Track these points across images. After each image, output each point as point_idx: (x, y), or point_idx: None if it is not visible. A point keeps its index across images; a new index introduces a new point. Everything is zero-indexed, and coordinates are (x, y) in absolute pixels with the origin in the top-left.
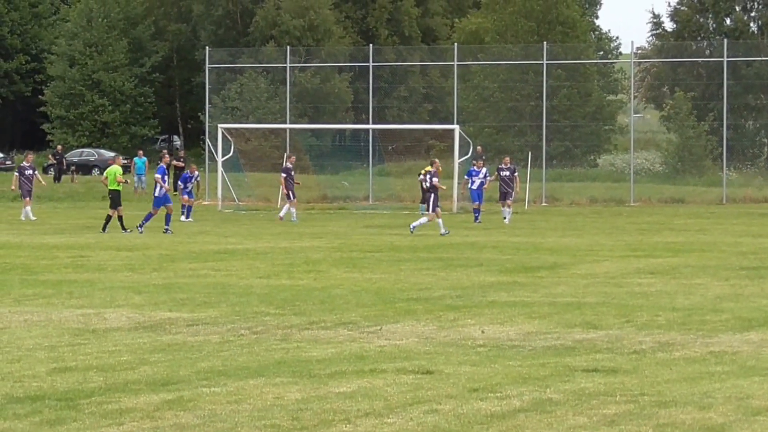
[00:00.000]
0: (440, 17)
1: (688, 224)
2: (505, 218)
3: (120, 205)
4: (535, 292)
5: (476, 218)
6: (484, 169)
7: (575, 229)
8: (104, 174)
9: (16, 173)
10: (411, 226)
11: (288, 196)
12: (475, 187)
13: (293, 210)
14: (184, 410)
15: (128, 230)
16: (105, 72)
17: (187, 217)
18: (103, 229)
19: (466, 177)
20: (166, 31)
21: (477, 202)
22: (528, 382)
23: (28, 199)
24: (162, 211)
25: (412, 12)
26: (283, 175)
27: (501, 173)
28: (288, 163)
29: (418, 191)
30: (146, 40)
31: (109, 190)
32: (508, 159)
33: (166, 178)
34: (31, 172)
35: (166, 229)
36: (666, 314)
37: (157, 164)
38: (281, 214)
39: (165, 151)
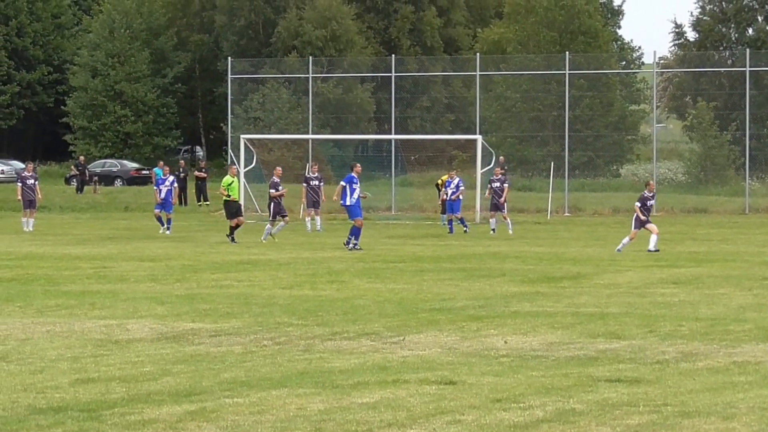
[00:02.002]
0: (462, 27)
1: (710, 234)
2: (493, 231)
3: (237, 216)
4: (558, 303)
5: (450, 229)
6: (456, 179)
7: (598, 239)
8: (221, 185)
9: (19, 183)
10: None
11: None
12: (452, 198)
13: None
14: (206, 421)
15: (236, 242)
16: (127, 83)
17: (167, 228)
18: (231, 239)
19: (489, 186)
20: (189, 42)
21: (453, 213)
22: (551, 393)
23: (28, 210)
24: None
25: (434, 22)
26: (305, 185)
27: (492, 185)
28: (311, 173)
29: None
30: (168, 50)
31: (224, 200)
32: (498, 170)
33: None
34: (33, 181)
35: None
36: (689, 324)
37: (177, 174)
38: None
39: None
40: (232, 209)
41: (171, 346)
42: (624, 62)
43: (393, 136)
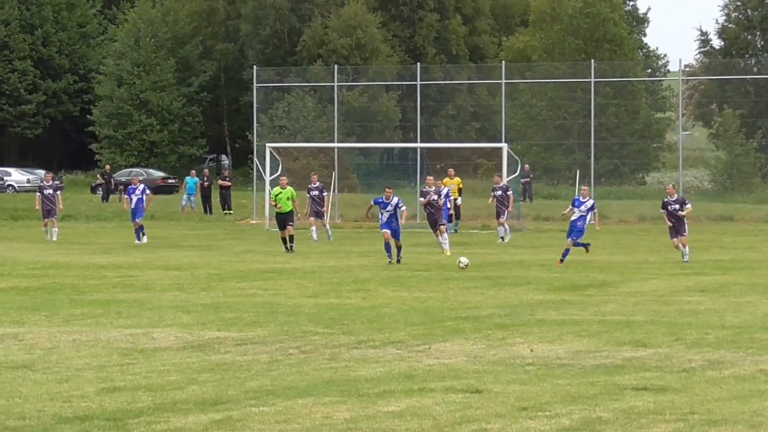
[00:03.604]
0: (488, 36)
1: (737, 242)
2: (501, 238)
3: (284, 227)
4: (584, 311)
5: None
6: (445, 189)
7: (624, 247)
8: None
9: (38, 193)
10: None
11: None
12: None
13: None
14: (232, 430)
15: (292, 252)
16: (153, 91)
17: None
18: (286, 250)
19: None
20: (214, 51)
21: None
22: (577, 401)
23: (47, 219)
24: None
25: (459, 30)
26: (308, 195)
27: (494, 193)
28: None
29: (465, 210)
30: (194, 59)
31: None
32: (498, 178)
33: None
34: (51, 191)
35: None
36: (715, 332)
37: (202, 183)
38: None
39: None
40: (278, 220)
41: (197, 354)
42: (649, 70)
43: (418, 145)
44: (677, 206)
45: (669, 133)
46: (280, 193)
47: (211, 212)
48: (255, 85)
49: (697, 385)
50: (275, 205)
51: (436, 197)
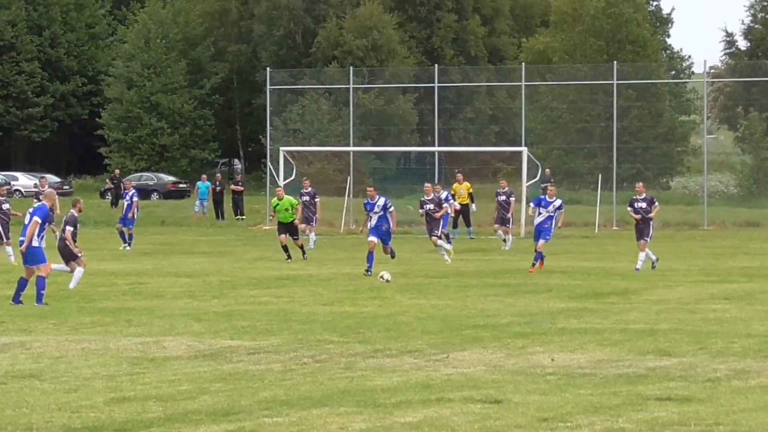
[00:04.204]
0: (507, 37)
1: (763, 248)
2: (505, 243)
3: (282, 234)
4: (606, 319)
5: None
6: (444, 193)
7: None
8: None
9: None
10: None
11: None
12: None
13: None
14: None
15: (291, 259)
16: (163, 94)
17: (127, 245)
18: (303, 255)
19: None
20: (226, 52)
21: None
22: (599, 412)
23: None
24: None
25: (478, 31)
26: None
27: (498, 197)
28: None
29: (485, 215)
30: (206, 61)
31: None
32: (504, 182)
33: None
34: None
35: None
36: (741, 341)
37: (214, 188)
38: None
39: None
40: (279, 229)
41: (208, 364)
42: (673, 72)
43: (436, 148)
44: (644, 205)
45: (693, 136)
46: (278, 204)
47: (223, 218)
48: (268, 87)
49: (722, 396)
50: (272, 218)
51: (432, 207)
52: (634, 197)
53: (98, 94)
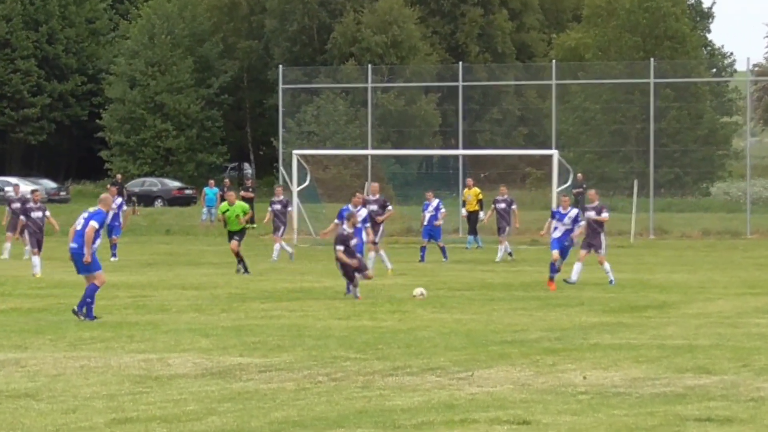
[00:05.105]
0: (536, 32)
1: None
2: (510, 254)
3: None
4: (642, 334)
5: (422, 257)
6: (435, 201)
7: (686, 264)
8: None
9: (8, 208)
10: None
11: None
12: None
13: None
14: None
15: (247, 272)
16: (168, 94)
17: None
18: (239, 269)
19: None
20: (236, 49)
21: (434, 240)
22: None
23: (14, 235)
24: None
25: (505, 26)
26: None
27: (497, 205)
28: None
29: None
30: (214, 58)
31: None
32: (504, 189)
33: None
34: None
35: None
36: None
37: (223, 195)
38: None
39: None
40: (229, 236)
41: (216, 382)
42: (714, 70)
43: (460, 152)
44: (593, 213)
45: (736, 139)
46: (228, 209)
47: None
48: (281, 86)
49: (766, 416)
50: (224, 224)
51: (376, 208)
52: (585, 205)
53: (99, 94)
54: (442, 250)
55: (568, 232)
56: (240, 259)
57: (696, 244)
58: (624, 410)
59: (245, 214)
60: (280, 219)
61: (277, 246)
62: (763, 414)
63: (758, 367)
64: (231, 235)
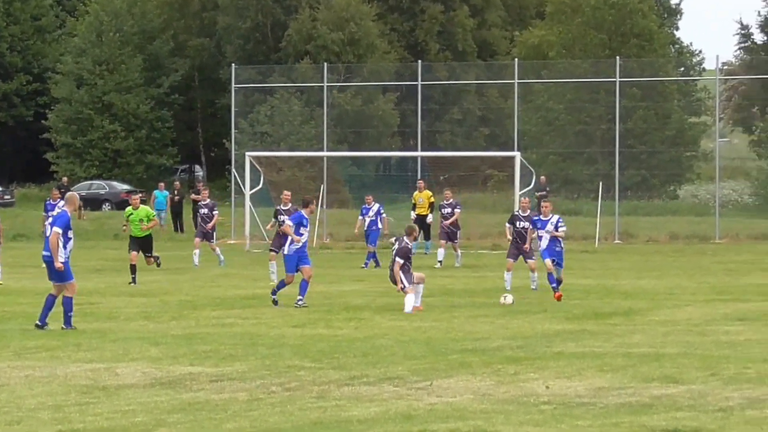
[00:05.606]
0: (498, 29)
1: None
2: (454, 259)
3: (133, 250)
4: (607, 342)
5: (366, 263)
6: (376, 205)
7: (653, 269)
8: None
9: None
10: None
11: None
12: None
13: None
14: None
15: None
16: (117, 93)
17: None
18: (133, 281)
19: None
20: (187, 47)
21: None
22: None
23: None
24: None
25: (466, 24)
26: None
27: (442, 210)
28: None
29: (474, 227)
30: (164, 56)
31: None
32: (449, 193)
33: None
34: None
35: None
36: (756, 366)
37: (173, 197)
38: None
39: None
40: (130, 244)
41: (166, 392)
42: (683, 68)
43: (419, 153)
44: (527, 225)
45: (704, 140)
46: (132, 214)
47: (182, 231)
48: (233, 85)
49: (735, 427)
50: (125, 229)
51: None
52: (517, 213)
53: (45, 94)
54: (373, 255)
55: (554, 238)
56: (134, 271)
57: (663, 248)
58: (588, 421)
59: (150, 220)
60: (206, 223)
61: (198, 252)
62: (732, 424)
63: (727, 376)
64: (133, 243)
